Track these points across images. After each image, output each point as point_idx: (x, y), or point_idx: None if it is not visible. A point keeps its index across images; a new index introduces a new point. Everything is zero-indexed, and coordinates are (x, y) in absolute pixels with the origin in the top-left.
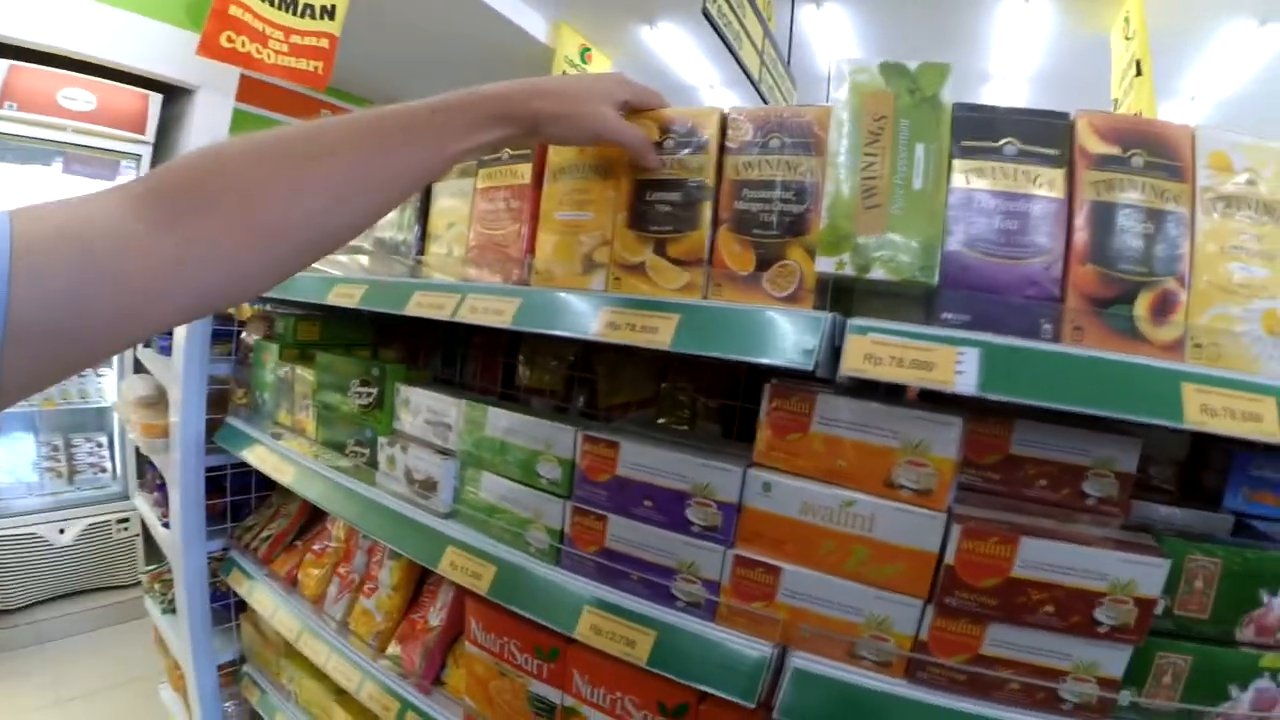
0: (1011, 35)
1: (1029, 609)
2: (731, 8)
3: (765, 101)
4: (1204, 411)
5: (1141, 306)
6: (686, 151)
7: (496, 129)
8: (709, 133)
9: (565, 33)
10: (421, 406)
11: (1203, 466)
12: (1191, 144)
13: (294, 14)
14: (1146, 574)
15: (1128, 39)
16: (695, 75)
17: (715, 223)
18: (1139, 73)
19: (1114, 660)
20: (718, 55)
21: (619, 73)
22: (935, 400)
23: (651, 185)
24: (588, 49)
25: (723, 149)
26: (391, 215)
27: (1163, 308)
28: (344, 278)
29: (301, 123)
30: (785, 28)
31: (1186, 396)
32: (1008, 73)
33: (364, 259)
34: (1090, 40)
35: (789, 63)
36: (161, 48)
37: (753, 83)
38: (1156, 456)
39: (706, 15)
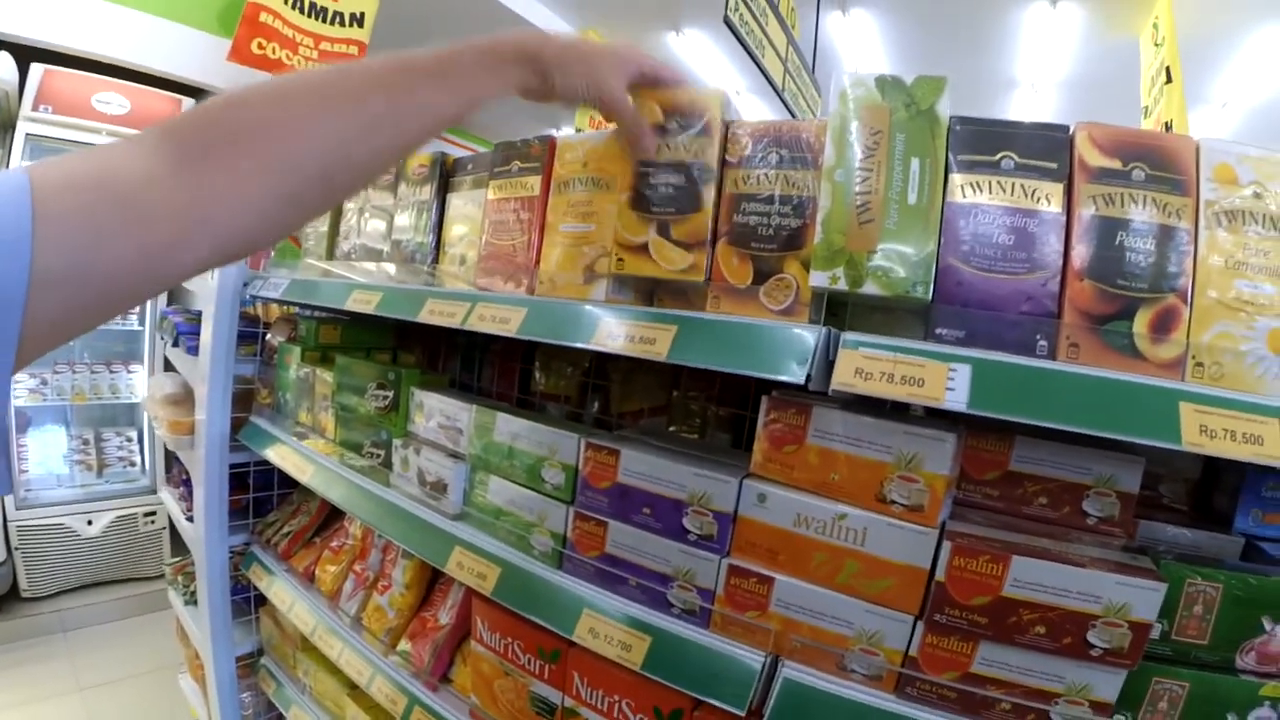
0: (1039, 41)
1: (1020, 629)
2: (754, 15)
3: (790, 109)
4: (1203, 433)
5: (1141, 323)
6: (690, 133)
7: (514, 71)
8: (712, 114)
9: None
10: (435, 410)
11: (1214, 486)
12: (1195, 156)
13: (324, 21)
14: (1142, 597)
15: (1157, 45)
16: (722, 82)
17: (715, 234)
18: (1169, 79)
19: (1108, 684)
20: (744, 63)
21: (638, 49)
22: (938, 416)
23: (655, 166)
24: None
25: (723, 163)
26: (409, 220)
27: (1163, 325)
28: (362, 284)
29: (325, 66)
30: (810, 35)
31: (1185, 417)
32: (1036, 79)
33: (390, 267)
34: (1119, 46)
35: (814, 70)
36: (193, 53)
37: (776, 91)
38: (1167, 475)
39: (728, 23)
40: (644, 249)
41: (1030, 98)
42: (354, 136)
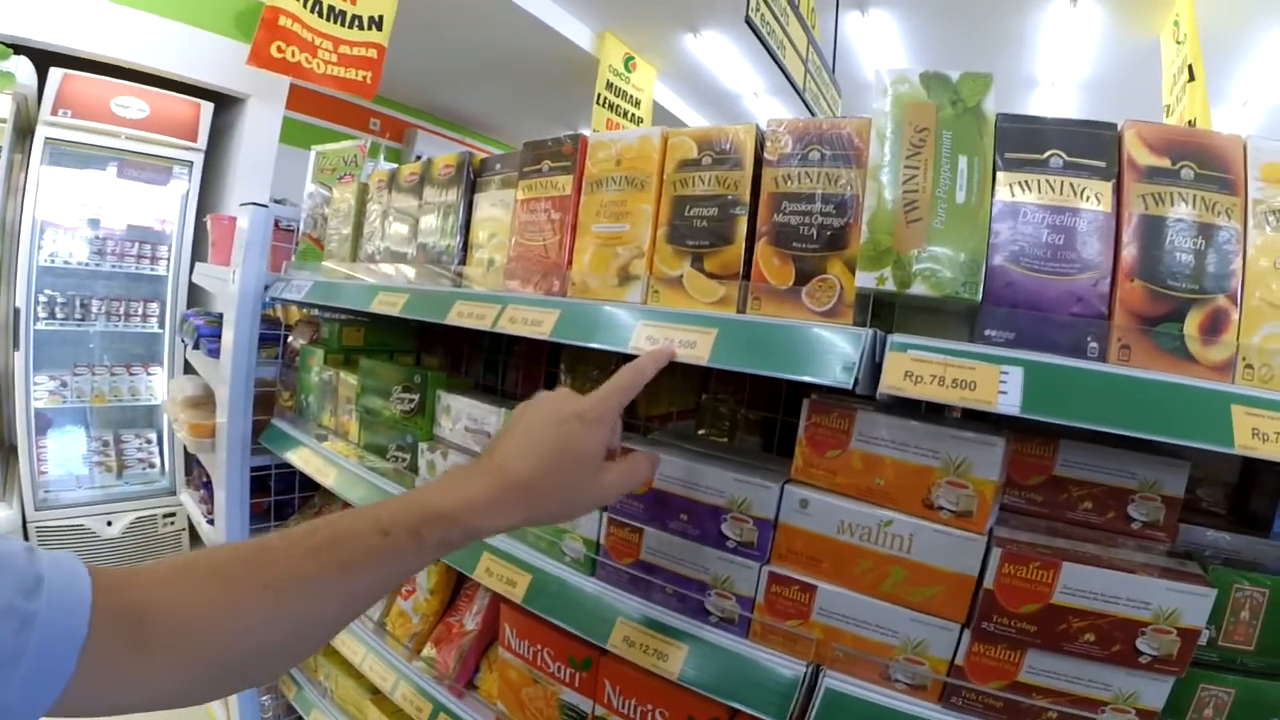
0: (1059, 40)
1: (1069, 636)
2: (775, 16)
3: (810, 110)
4: (1255, 436)
5: (1191, 325)
6: (724, 167)
7: (462, 545)
8: (745, 149)
9: (610, 42)
10: (462, 414)
11: (1252, 489)
12: (1243, 155)
13: (342, 25)
14: (1191, 603)
15: (1178, 43)
16: (739, 83)
17: (752, 237)
18: (1191, 77)
19: (1155, 691)
20: (762, 63)
21: (590, 414)
22: (977, 419)
23: (690, 200)
24: (632, 58)
25: (761, 162)
26: (434, 223)
27: (1213, 326)
28: (387, 286)
29: (251, 546)
30: (830, 35)
31: (1236, 420)
32: (1056, 78)
33: (409, 270)
34: (1140, 44)
35: (834, 70)
36: (212, 58)
37: (797, 91)
38: (1206, 478)
39: (750, 24)
40: (679, 282)
41: (1050, 97)
42: (278, 639)
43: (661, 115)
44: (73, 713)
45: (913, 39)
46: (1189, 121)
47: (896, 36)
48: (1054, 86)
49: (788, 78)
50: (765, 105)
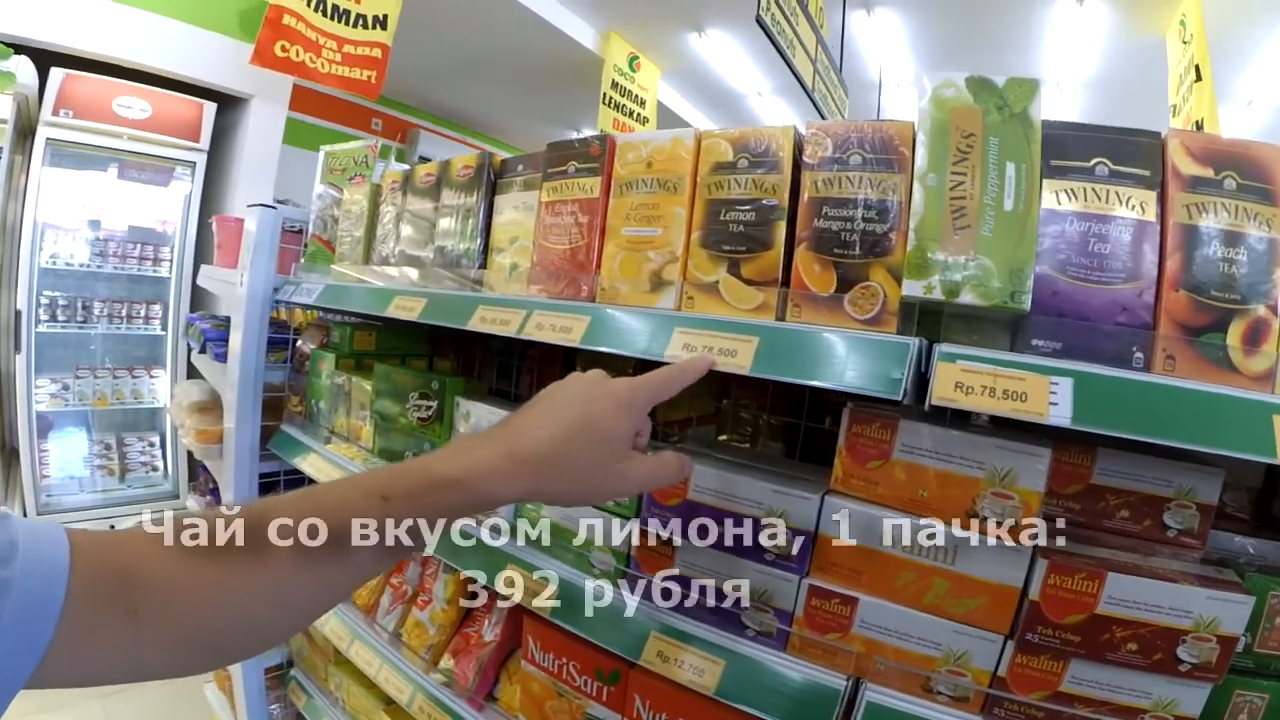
0: (1065, 39)
1: (1112, 646)
2: (785, 15)
3: (818, 109)
4: None
5: (1234, 335)
6: (760, 170)
7: (466, 515)
8: (783, 152)
9: (614, 41)
10: (483, 421)
11: (1276, 494)
12: None
13: (346, 24)
14: (1230, 611)
15: (1185, 42)
16: (744, 83)
17: (791, 242)
18: (1198, 77)
19: (1193, 698)
20: (767, 62)
21: (622, 396)
22: (1008, 426)
23: (725, 204)
24: (636, 57)
25: (799, 165)
26: (453, 225)
27: (1254, 337)
28: (404, 290)
29: (242, 512)
30: (836, 34)
31: (1279, 431)
32: (1062, 78)
33: (413, 272)
34: (1146, 44)
35: (840, 69)
36: (216, 58)
37: (806, 91)
38: (1231, 483)
39: (761, 23)
40: (715, 288)
41: (1055, 97)
42: (270, 612)
43: (666, 115)
44: (57, 683)
45: (918, 38)
46: (1196, 122)
47: (902, 35)
48: (1059, 86)
49: (797, 78)
50: (770, 105)
